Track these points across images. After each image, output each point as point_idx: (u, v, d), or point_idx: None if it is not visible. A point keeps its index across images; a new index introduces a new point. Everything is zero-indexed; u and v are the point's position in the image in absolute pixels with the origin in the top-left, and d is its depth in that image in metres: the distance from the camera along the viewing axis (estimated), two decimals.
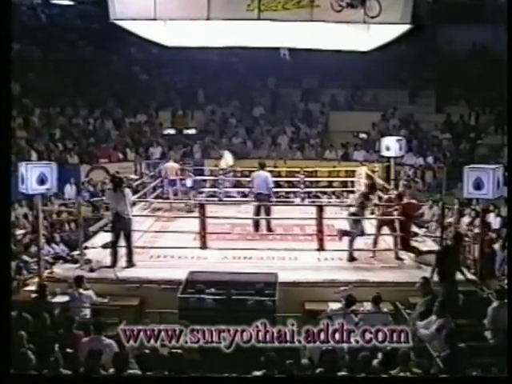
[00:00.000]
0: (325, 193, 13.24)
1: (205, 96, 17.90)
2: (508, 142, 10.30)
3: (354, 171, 12.46)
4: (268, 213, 9.69)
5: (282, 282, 7.24)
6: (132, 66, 17.97)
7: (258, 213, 9.71)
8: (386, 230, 8.73)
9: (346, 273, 7.90)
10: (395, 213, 8.64)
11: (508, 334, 5.23)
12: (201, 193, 12.84)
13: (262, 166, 9.96)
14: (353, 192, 12.19)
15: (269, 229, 9.64)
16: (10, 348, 4.11)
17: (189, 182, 11.95)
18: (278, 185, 12.52)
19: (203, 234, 8.43)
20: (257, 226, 9.67)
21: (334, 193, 13.18)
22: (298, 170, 12.55)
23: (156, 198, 11.78)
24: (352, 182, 12.49)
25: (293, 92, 18.09)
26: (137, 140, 16.07)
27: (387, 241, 8.93)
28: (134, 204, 9.14)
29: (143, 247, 8.73)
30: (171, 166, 11.81)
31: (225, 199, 12.23)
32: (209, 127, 17.26)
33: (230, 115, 17.42)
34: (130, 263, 8.13)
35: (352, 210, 8.46)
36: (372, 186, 8.73)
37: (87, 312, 6.89)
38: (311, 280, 7.62)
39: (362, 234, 8.31)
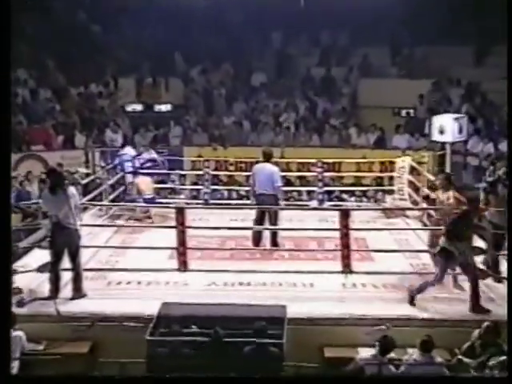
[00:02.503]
0: (352, 193, 13.20)
1: (184, 58, 17.86)
2: (508, 141, 10.42)
3: (393, 163, 12.42)
4: (274, 221, 9.65)
5: (293, 319, 7.22)
6: (79, 12, 17.93)
7: (260, 221, 9.68)
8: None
9: (382, 305, 7.86)
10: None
11: (508, 333, 5.89)
12: (178, 192, 12.80)
13: (268, 157, 9.91)
14: (391, 192, 12.18)
15: (274, 243, 9.63)
16: (10, 348, 4.99)
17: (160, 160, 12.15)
18: (287, 182, 12.50)
19: (182, 251, 8.40)
20: (258, 239, 9.65)
21: (364, 193, 13.14)
22: (314, 161, 12.51)
23: (116, 200, 11.77)
24: (390, 177, 12.44)
25: (307, 52, 18.05)
26: (88, 119, 16.03)
27: None
28: (83, 209, 9.07)
29: (97, 270, 8.70)
30: (143, 180, 11.76)
31: (213, 202, 12.21)
32: (190, 101, 17.22)
33: (220, 84, 17.39)
34: (79, 293, 8.09)
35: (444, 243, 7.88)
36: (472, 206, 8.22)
37: (15, 364, 6.78)
38: (333, 315, 7.59)
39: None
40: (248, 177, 13.36)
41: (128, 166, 12.00)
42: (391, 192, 12.27)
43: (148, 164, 12.06)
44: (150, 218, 11.18)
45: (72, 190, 8.24)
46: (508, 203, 8.03)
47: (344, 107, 16.83)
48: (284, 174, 12.17)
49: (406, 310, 7.73)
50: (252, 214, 9.90)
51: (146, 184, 11.76)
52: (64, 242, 8.00)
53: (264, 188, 9.74)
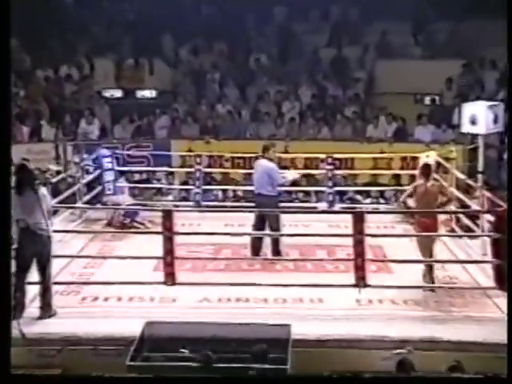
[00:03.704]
0: (367, 194, 13.22)
1: (172, 35, 17.85)
2: (508, 139, 10.55)
3: (415, 159, 12.44)
4: (275, 226, 9.67)
5: (299, 340, 7.25)
6: None
7: (259, 226, 9.71)
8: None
9: (403, 325, 7.89)
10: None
11: (508, 333, 6.46)
12: (165, 193, 12.81)
13: (264, 151, 9.97)
14: None
15: (276, 252, 9.65)
16: (9, 349, 5.36)
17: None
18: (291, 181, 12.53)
19: (170, 261, 8.41)
20: (257, 247, 9.68)
21: (381, 194, 13.17)
22: (323, 156, 12.53)
23: (92, 202, 11.80)
24: (412, 175, 12.44)
25: (315, 29, 18.04)
26: (57, 107, 16.03)
27: (471, 271, 8.98)
28: (54, 213, 9.08)
29: (70, 283, 8.74)
30: (119, 200, 11.86)
31: (205, 204, 12.23)
32: (179, 87, 17.22)
33: (213, 67, 17.40)
34: (47, 311, 8.11)
35: None
36: None
37: None
38: (346, 337, 7.63)
39: None
40: (245, 174, 13.43)
41: (106, 163, 12.03)
42: None
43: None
44: (142, 224, 11.21)
45: (43, 190, 8.25)
46: (508, 202, 8.18)
47: (358, 94, 16.81)
48: (287, 171, 12.20)
49: (430, 331, 7.74)
50: (251, 218, 9.92)
51: (123, 197, 11.95)
52: (34, 250, 8.00)
53: (260, 188, 9.80)
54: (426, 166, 9.29)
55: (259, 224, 9.75)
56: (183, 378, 5.57)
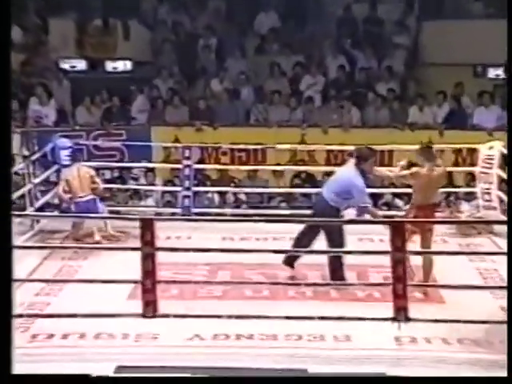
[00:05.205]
0: (409, 198, 13.22)
1: None
2: (508, 137, 10.71)
3: (473, 150, 12.46)
4: (339, 241, 9.76)
5: None
6: None
7: (309, 237, 9.82)
8: None
9: (458, 371, 7.84)
10: None
11: (508, 333, 7.06)
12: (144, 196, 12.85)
13: (361, 159, 10.07)
14: (472, 196, 12.20)
15: (337, 275, 9.68)
16: (10, 348, 5.71)
17: None
18: (305, 178, 12.57)
19: (150, 286, 8.43)
20: (294, 256, 9.89)
21: None
22: (350, 149, 12.55)
23: (47, 208, 11.83)
24: (471, 174, 12.48)
25: None
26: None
27: None
28: None
29: (17, 316, 8.68)
30: (77, 173, 11.77)
31: (197, 211, 12.31)
32: (161, 57, 17.28)
33: (207, 31, 17.45)
34: None
35: None
36: None
37: None
38: None
39: None
40: (249, 172, 13.47)
41: (66, 156, 12.07)
42: (471, 196, 12.30)
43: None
44: (114, 237, 11.24)
45: None
46: (508, 202, 8.27)
47: (389, 66, 16.85)
48: (306, 168, 12.28)
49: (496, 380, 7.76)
50: (258, 229, 9.94)
51: (78, 179, 11.66)
52: None
53: (328, 192, 9.96)
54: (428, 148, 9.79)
55: (310, 233, 9.87)
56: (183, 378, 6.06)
